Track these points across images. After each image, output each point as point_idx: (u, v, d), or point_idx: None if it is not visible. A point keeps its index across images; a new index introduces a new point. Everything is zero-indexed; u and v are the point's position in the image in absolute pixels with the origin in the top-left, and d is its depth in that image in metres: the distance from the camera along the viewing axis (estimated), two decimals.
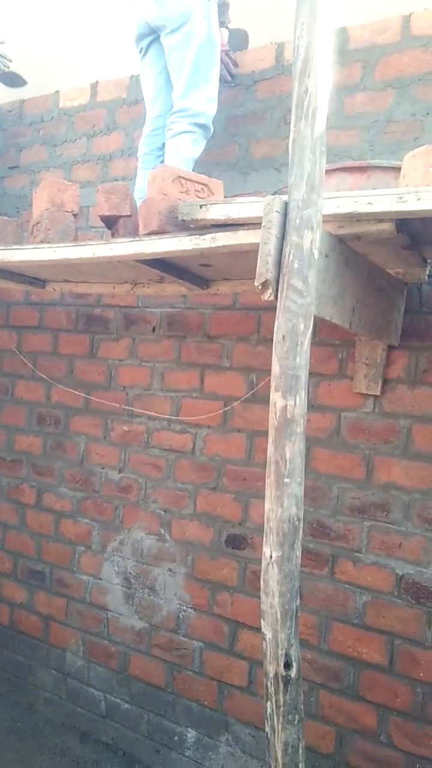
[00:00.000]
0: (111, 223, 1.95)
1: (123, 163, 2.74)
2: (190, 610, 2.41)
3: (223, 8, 2.34)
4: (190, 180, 1.74)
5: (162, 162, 2.39)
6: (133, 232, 1.86)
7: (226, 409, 2.36)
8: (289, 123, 2.28)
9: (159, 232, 1.66)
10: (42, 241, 1.88)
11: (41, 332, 2.92)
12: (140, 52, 2.40)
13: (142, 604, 2.51)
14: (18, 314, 3.01)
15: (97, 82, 2.87)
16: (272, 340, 2.24)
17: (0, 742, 2.52)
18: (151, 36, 2.32)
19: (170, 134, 2.20)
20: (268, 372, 2.22)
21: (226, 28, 2.45)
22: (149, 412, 2.53)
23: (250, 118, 2.42)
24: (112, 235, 1.98)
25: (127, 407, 2.60)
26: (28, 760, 2.44)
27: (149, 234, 1.68)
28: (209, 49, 2.18)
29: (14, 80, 2.95)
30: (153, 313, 2.58)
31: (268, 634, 1.18)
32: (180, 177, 1.73)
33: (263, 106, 2.39)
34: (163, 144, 2.34)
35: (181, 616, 2.43)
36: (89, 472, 2.69)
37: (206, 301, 2.45)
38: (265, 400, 2.29)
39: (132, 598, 2.54)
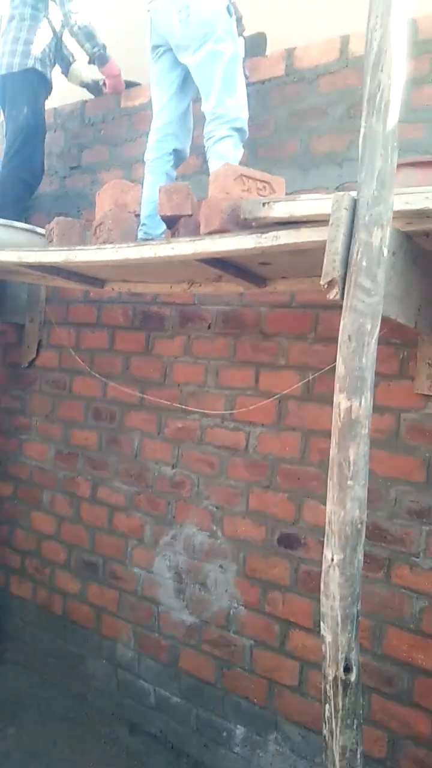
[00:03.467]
0: (172, 222, 1.97)
1: None
2: (240, 607, 2.41)
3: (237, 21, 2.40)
4: (252, 178, 1.74)
5: (173, 166, 2.46)
6: (194, 231, 1.87)
7: (276, 402, 2.35)
8: (353, 117, 2.27)
9: (220, 231, 1.67)
10: (105, 242, 1.91)
11: (98, 329, 2.98)
12: (154, 58, 2.45)
13: (193, 600, 2.53)
14: (76, 311, 3.07)
15: None
16: (329, 338, 2.24)
17: (53, 729, 2.58)
18: (166, 47, 2.38)
19: (211, 141, 2.23)
20: (325, 371, 2.22)
21: (242, 36, 2.45)
22: (203, 410, 2.55)
23: (311, 114, 2.39)
24: (173, 234, 2.00)
25: (180, 405, 2.62)
26: (80, 747, 2.49)
27: (210, 233, 1.69)
28: (235, 63, 2.24)
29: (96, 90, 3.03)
30: (209, 310, 2.59)
31: (328, 637, 1.16)
32: (242, 175, 1.73)
33: (326, 100, 2.35)
34: (173, 149, 2.42)
35: (231, 613, 2.43)
36: (143, 467, 2.72)
37: (263, 299, 2.44)
38: (320, 398, 2.28)
39: (183, 593, 2.56)
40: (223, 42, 2.17)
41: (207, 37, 2.16)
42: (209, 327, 2.59)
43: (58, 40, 2.90)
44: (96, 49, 2.74)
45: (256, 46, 2.46)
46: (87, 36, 2.71)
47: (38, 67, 2.75)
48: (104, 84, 2.98)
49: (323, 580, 1.16)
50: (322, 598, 1.16)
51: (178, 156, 2.41)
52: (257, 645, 2.37)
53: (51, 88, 2.91)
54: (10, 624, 3.16)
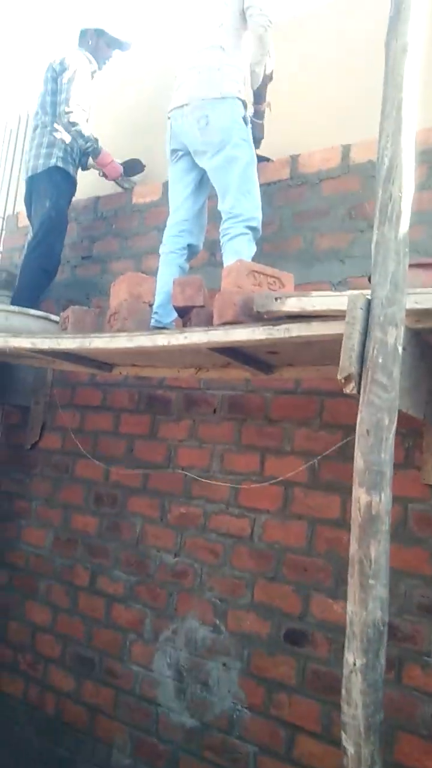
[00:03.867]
0: (183, 312, 2.03)
1: None
2: (244, 709, 2.28)
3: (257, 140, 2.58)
4: (263, 273, 1.81)
5: (186, 260, 2.57)
6: (205, 321, 1.92)
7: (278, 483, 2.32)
8: (354, 218, 2.39)
9: (233, 321, 1.72)
10: (119, 330, 1.96)
11: (103, 412, 2.99)
12: (172, 160, 2.63)
13: (194, 701, 2.39)
14: (82, 394, 3.10)
15: (167, 182, 3.08)
16: (334, 425, 2.26)
17: None
18: (185, 151, 2.56)
19: (227, 238, 2.35)
20: (330, 457, 2.22)
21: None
22: (207, 495, 2.52)
23: (314, 214, 2.53)
24: (184, 324, 2.06)
25: (184, 489, 2.59)
26: None
27: (224, 324, 1.74)
28: (251, 168, 2.40)
29: (133, 168, 3.18)
30: (214, 395, 2.62)
31: (350, 749, 1.10)
32: (254, 270, 1.81)
33: (328, 202, 2.50)
34: (188, 244, 2.55)
35: (235, 716, 2.30)
36: (144, 555, 2.65)
37: (268, 385, 2.47)
38: (327, 486, 2.27)
39: (184, 693, 2.42)
40: (239, 148, 2.33)
41: (224, 143, 2.33)
42: (215, 411, 2.61)
43: None
44: (88, 144, 2.95)
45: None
46: (78, 135, 2.93)
47: (60, 164, 2.94)
48: (104, 175, 3.15)
49: (344, 686, 1.10)
50: (344, 706, 1.11)
51: (191, 250, 2.53)
52: (262, 752, 2.22)
53: (75, 184, 3.08)
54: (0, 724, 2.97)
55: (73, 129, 2.92)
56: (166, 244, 2.54)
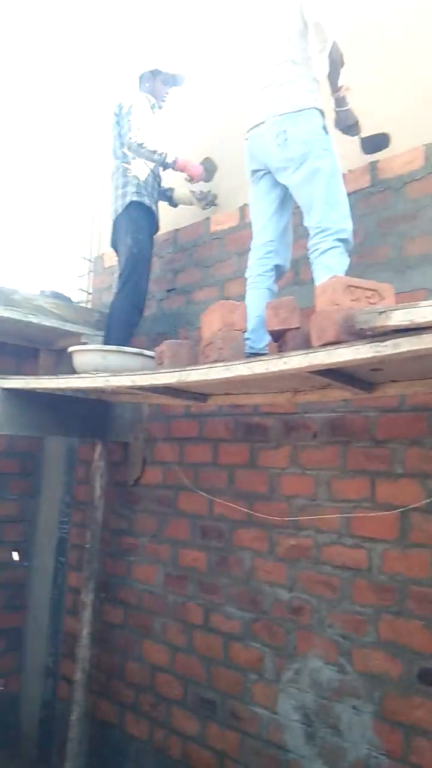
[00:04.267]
0: (278, 336, 1.95)
1: None
2: (381, 757, 2.10)
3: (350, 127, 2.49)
4: (360, 287, 1.69)
5: (274, 281, 2.48)
6: (302, 343, 1.83)
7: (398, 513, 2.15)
8: None
9: (334, 341, 1.62)
10: (216, 360, 1.91)
11: (201, 443, 2.95)
12: (254, 181, 2.56)
13: (326, 747, 2.23)
14: (179, 427, 3.08)
15: (244, 205, 3.03)
16: None
17: None
18: (265, 170, 2.48)
19: (317, 253, 2.25)
20: None
21: (359, 137, 2.52)
22: (317, 525, 2.39)
23: (401, 219, 2.38)
24: (279, 347, 1.97)
25: (291, 519, 2.48)
26: None
27: (324, 344, 1.64)
28: (336, 178, 2.29)
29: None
30: (313, 418, 2.50)
31: None
32: (350, 285, 1.69)
33: (415, 205, 2.35)
34: (275, 265, 2.47)
35: (371, 764, 2.12)
36: (257, 591, 2.55)
37: (370, 404, 2.33)
38: None
39: (313, 739, 2.27)
40: (321, 159, 2.24)
41: (305, 157, 2.24)
42: (315, 435, 2.49)
43: (155, 176, 3.12)
44: (161, 157, 2.94)
45: (376, 144, 2.50)
46: (148, 154, 2.93)
47: (135, 198, 2.96)
48: (190, 180, 3.13)
49: None
50: None
51: (278, 271, 2.45)
52: None
53: (154, 216, 3.08)
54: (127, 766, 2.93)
55: (141, 150, 2.94)
56: (252, 268, 2.47)
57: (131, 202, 2.96)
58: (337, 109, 2.49)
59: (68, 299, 3.77)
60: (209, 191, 3.18)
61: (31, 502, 3.73)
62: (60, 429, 3.10)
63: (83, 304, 3.91)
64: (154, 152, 2.93)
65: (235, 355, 1.93)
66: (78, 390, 2.71)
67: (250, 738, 2.46)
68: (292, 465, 2.53)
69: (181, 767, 2.69)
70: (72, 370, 3.58)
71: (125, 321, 2.87)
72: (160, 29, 3.74)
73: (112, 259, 3.85)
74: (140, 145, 2.91)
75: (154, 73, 3.15)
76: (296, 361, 1.70)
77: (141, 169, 3.07)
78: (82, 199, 4.32)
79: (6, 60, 4.28)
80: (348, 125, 2.51)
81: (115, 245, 3.15)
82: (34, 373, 3.69)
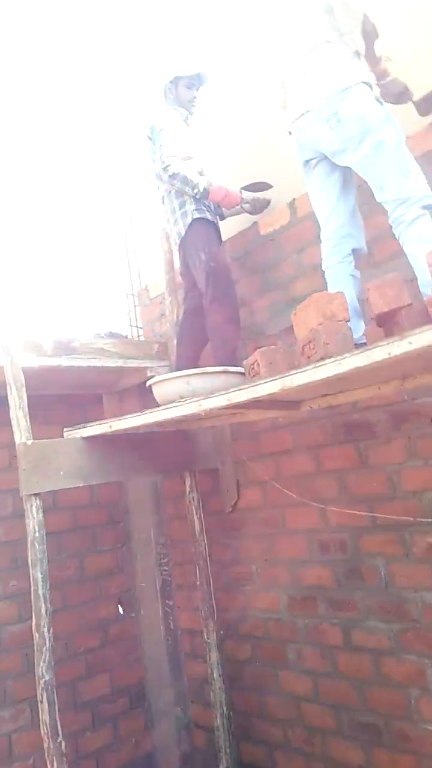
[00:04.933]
0: (385, 319, 1.79)
1: None
2: None
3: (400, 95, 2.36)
4: None
5: (355, 266, 2.32)
6: (421, 320, 1.67)
7: None
8: None
9: None
10: (322, 357, 1.76)
11: (299, 453, 2.79)
12: (307, 171, 2.43)
13: None
14: (269, 441, 2.92)
15: (293, 200, 2.91)
16: None
17: None
18: (319, 157, 2.36)
19: (403, 226, 2.08)
20: None
21: (412, 101, 2.38)
22: None
23: None
24: (388, 332, 1.82)
25: (424, 515, 2.28)
26: None
27: None
28: (401, 146, 2.14)
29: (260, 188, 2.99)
30: (426, 403, 2.32)
31: None
32: None
33: None
34: (352, 250, 2.32)
35: None
36: (399, 599, 2.35)
37: None
38: None
39: None
40: (381, 130, 2.10)
41: (364, 133, 2.12)
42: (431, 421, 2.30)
43: None
44: (195, 191, 2.77)
45: None
46: (183, 183, 2.76)
47: (196, 215, 2.82)
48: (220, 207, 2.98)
49: None
50: None
51: (357, 255, 2.31)
52: None
53: (218, 228, 2.94)
54: None
55: (175, 181, 2.78)
56: (329, 257, 2.33)
57: (194, 220, 2.81)
58: (381, 82, 2.37)
59: (124, 337, 3.68)
60: (262, 197, 3.04)
61: (124, 551, 3.60)
62: (145, 468, 2.97)
63: (137, 339, 3.82)
64: (191, 184, 2.77)
65: (343, 348, 1.78)
66: (159, 423, 2.56)
67: (427, 758, 2.24)
68: (411, 458, 2.35)
69: None
70: (138, 407, 3.51)
71: (227, 339, 2.68)
72: (174, 35, 3.65)
73: (157, 288, 3.77)
74: (173, 176, 2.76)
75: (175, 82, 3.01)
76: (427, 338, 1.54)
77: None
78: (114, 237, 4.26)
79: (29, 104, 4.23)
80: (396, 94, 2.38)
81: (185, 269, 2.99)
82: (100, 419, 3.60)
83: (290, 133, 2.40)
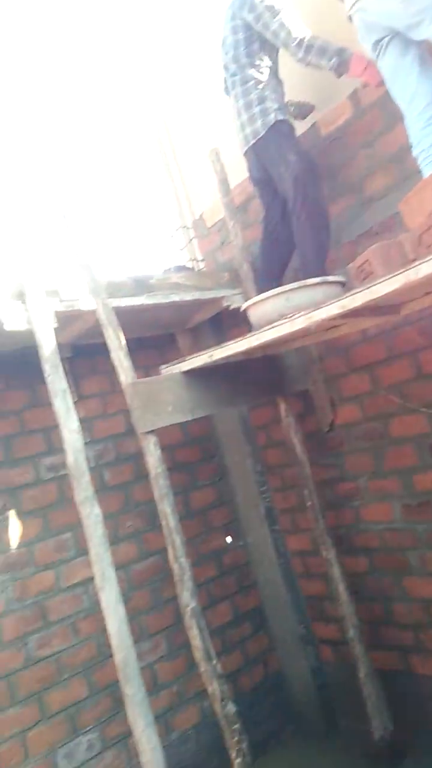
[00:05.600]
0: None
1: None
2: None
3: None
4: None
5: None
6: None
7: None
8: None
9: None
10: None
11: (396, 361, 2.69)
12: (379, 55, 2.23)
13: None
14: (360, 354, 2.83)
15: (354, 90, 2.69)
16: None
17: None
18: (390, 35, 2.16)
19: None
20: None
21: None
22: None
23: None
24: None
25: None
26: None
27: None
28: None
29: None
30: None
31: None
32: None
33: None
34: None
35: None
36: None
37: None
38: None
39: None
40: None
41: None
42: None
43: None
44: (332, 61, 2.43)
45: None
46: (319, 55, 2.45)
47: (281, 116, 2.64)
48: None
49: None
50: None
51: None
52: None
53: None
54: (423, 710, 2.77)
55: (310, 55, 2.46)
56: (421, 141, 2.15)
57: (278, 121, 2.62)
58: None
59: (191, 269, 3.58)
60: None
61: (222, 484, 3.62)
62: (241, 397, 2.94)
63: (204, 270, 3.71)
64: (325, 51, 2.41)
65: None
66: (263, 346, 2.47)
67: None
68: None
69: None
70: (213, 341, 3.44)
71: (318, 247, 2.54)
72: None
73: (214, 215, 3.62)
74: (308, 48, 2.43)
75: None
76: None
77: (275, 83, 2.72)
78: (156, 164, 4.07)
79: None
80: None
81: (260, 173, 2.81)
82: (177, 357, 3.54)
83: (350, 18, 2.19)
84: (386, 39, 2.17)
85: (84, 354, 3.07)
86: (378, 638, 2.96)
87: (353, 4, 2.18)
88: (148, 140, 4.02)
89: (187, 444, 3.54)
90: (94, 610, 2.82)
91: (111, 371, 2.56)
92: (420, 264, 1.67)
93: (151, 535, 3.19)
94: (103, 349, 2.55)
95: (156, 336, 3.56)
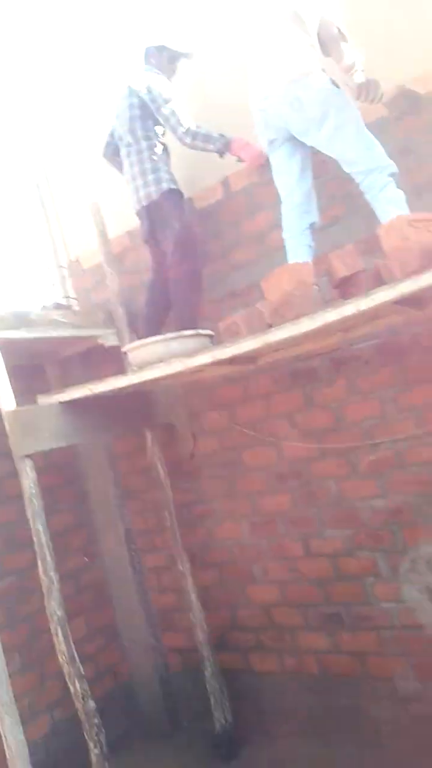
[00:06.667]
0: (342, 283, 2.19)
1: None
2: None
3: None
4: (422, 220, 1.96)
5: (312, 239, 2.67)
6: (376, 283, 2.08)
7: None
8: None
9: (418, 271, 1.88)
10: (298, 316, 2.12)
11: (251, 402, 3.18)
12: (271, 151, 2.73)
13: None
14: (221, 394, 3.27)
15: (226, 179, 3.20)
16: None
17: None
18: (284, 137, 2.65)
19: (375, 191, 2.45)
20: None
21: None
22: (393, 437, 2.70)
23: None
24: (345, 294, 2.22)
25: (364, 439, 2.78)
26: None
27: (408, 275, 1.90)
28: (361, 122, 2.49)
29: None
30: (361, 348, 2.78)
31: None
32: (412, 221, 1.96)
33: None
34: (310, 224, 2.67)
35: None
36: (350, 508, 2.86)
37: (418, 322, 2.58)
38: None
39: None
40: (342, 111, 2.46)
41: (326, 114, 2.45)
42: (367, 362, 2.78)
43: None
44: (218, 145, 2.91)
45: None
46: (205, 140, 2.92)
47: (173, 186, 3.04)
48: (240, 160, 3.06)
49: None
50: None
51: (313, 227, 2.67)
52: None
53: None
54: (267, 699, 3.22)
55: (197, 141, 2.92)
56: (288, 230, 2.67)
57: (170, 190, 3.01)
58: (351, 79, 2.52)
59: (68, 307, 3.82)
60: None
61: (83, 507, 3.84)
62: (113, 427, 3.24)
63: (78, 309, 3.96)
64: (209, 140, 2.89)
65: (315, 308, 2.16)
66: (141, 383, 2.80)
67: (384, 630, 2.81)
68: (353, 394, 2.82)
69: (323, 680, 3.03)
70: (83, 374, 3.72)
71: (190, 303, 2.96)
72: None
73: (90, 259, 3.91)
74: (194, 136, 2.89)
75: (159, 50, 3.12)
76: (383, 295, 1.95)
77: (165, 155, 3.10)
78: (34, 206, 4.27)
79: None
80: (371, 98, 2.50)
81: (150, 235, 3.18)
82: (44, 387, 3.75)
83: (258, 111, 2.66)
84: (278, 141, 2.66)
85: None
86: (224, 642, 3.37)
87: (258, 102, 2.65)
88: (28, 184, 4.22)
89: (50, 469, 3.71)
90: None
91: None
92: (276, 330, 2.15)
93: (7, 557, 3.32)
94: None
95: (24, 366, 3.72)
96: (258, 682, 3.26)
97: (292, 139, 2.63)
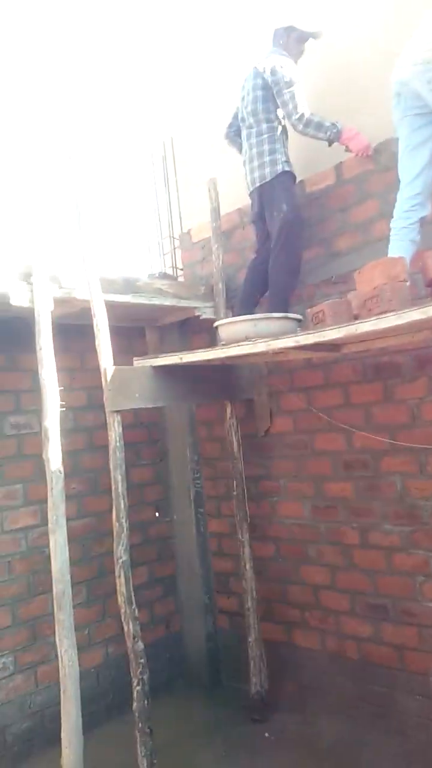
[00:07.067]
0: None
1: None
2: None
3: None
4: None
5: (418, 233, 2.61)
6: None
7: None
8: None
9: None
10: (384, 312, 2.19)
11: (330, 388, 3.26)
12: (400, 127, 2.65)
13: None
14: (302, 377, 3.39)
15: (339, 164, 3.26)
16: None
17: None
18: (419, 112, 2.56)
19: None
20: None
21: None
22: None
23: None
24: None
25: None
26: None
27: None
28: None
29: None
30: None
31: None
32: None
33: None
34: (420, 218, 2.60)
35: None
36: (412, 507, 2.91)
37: None
38: None
39: None
40: None
41: None
42: None
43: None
44: (329, 134, 3.00)
45: None
46: (316, 128, 3.03)
47: (286, 168, 3.15)
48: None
49: None
50: None
51: (422, 222, 2.62)
52: None
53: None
54: (304, 674, 3.37)
55: (309, 128, 3.02)
56: (399, 219, 2.62)
57: (283, 172, 3.12)
58: None
59: (174, 278, 4.06)
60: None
61: (162, 465, 4.11)
62: (196, 395, 3.45)
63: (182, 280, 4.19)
64: (324, 127, 2.98)
65: (403, 304, 2.22)
66: (226, 358, 2.97)
67: (426, 628, 2.86)
68: (431, 393, 2.84)
69: (360, 666, 3.12)
70: (178, 341, 3.95)
71: (285, 287, 3.10)
72: None
73: (200, 233, 4.11)
74: (307, 123, 2.99)
75: (288, 30, 3.20)
76: None
77: (286, 138, 3.21)
78: (155, 178, 4.52)
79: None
80: None
81: (260, 212, 3.28)
82: (143, 349, 4.03)
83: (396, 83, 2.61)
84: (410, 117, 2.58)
85: (60, 332, 3.46)
86: (271, 614, 3.53)
87: (396, 79, 2.61)
88: (152, 157, 4.47)
89: (137, 426, 4.00)
90: (29, 554, 3.31)
91: (83, 352, 2.96)
92: (360, 323, 2.23)
93: (89, 499, 3.64)
94: (78, 331, 2.97)
95: (128, 327, 4.01)
96: (297, 656, 3.40)
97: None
